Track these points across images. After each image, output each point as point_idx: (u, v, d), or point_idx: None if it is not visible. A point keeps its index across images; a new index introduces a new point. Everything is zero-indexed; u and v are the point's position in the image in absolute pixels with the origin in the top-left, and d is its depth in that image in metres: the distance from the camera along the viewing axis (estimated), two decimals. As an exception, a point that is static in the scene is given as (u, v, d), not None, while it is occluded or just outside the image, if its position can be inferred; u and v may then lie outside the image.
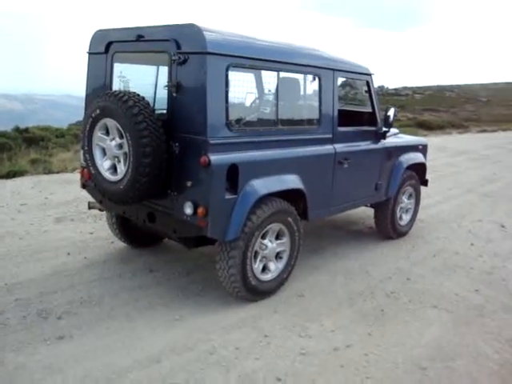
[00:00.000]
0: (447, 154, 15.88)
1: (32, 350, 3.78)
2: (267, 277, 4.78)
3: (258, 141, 4.44)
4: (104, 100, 4.18)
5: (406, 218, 7.01)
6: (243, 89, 4.65)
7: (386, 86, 51.47)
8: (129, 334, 4.08)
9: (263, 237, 4.60)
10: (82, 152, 4.57)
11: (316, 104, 5.12)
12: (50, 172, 10.23)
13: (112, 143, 4.22)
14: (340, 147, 5.33)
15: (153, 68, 4.92)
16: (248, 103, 5.06)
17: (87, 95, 5.05)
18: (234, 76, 4.25)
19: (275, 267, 4.84)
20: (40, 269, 5.22)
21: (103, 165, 4.37)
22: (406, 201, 6.90)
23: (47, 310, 4.40)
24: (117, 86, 4.84)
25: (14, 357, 3.69)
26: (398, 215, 6.79)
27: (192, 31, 4.05)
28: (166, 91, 4.27)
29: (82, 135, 4.50)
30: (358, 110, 6.55)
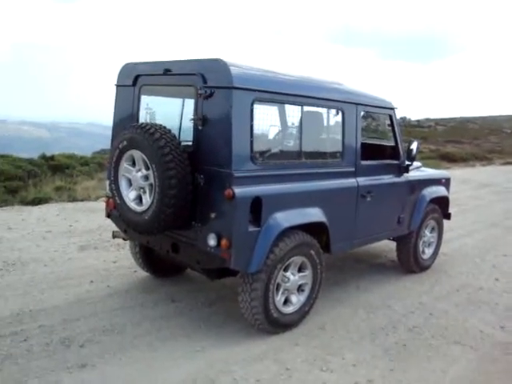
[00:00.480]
0: (470, 187, 15.77)
1: (55, 378, 3.81)
2: (289, 309, 4.77)
3: (282, 174, 4.48)
4: (131, 132, 4.27)
5: (428, 251, 6.97)
6: (267, 122, 4.72)
7: (408, 118, 51.39)
8: (151, 363, 4.09)
9: (285, 269, 4.61)
10: (107, 182, 4.65)
11: (339, 137, 5.17)
12: (74, 200, 10.38)
13: (138, 174, 4.30)
14: (363, 181, 5.35)
15: (179, 100, 5.01)
16: (272, 136, 5.13)
17: (114, 126, 5.16)
18: (259, 109, 4.32)
19: (297, 300, 4.84)
20: (64, 296, 5.28)
21: (129, 195, 4.44)
22: (428, 234, 6.86)
23: (70, 337, 4.44)
24: (143, 117, 4.95)
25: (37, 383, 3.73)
26: (421, 249, 6.75)
27: (218, 66, 4.14)
28: (191, 123, 4.35)
29: (108, 166, 4.58)
30: (381, 144, 6.58)
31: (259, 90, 4.24)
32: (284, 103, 4.83)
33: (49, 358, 4.10)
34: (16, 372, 3.87)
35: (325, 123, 5.19)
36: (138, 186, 4.36)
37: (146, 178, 4.25)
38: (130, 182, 4.45)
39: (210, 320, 4.94)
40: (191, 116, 4.35)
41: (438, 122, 51.86)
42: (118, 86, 5.16)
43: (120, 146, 4.36)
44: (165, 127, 4.24)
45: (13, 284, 5.53)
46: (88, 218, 8.62)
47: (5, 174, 13.17)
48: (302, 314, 4.92)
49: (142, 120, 4.90)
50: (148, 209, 4.21)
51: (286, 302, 4.77)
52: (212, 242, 4.14)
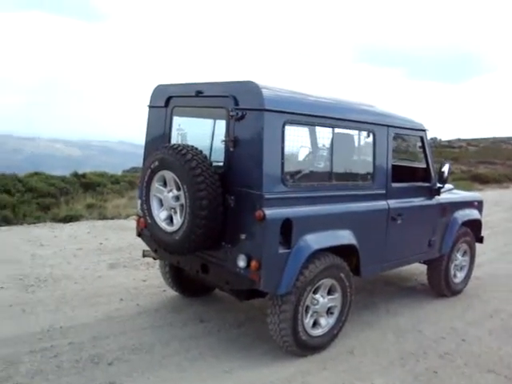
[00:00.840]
0: (503, 209, 15.50)
1: (84, 396, 3.85)
2: (318, 332, 4.74)
3: (312, 196, 4.48)
4: (163, 152, 4.32)
5: (460, 275, 6.85)
6: (298, 144, 4.73)
7: (438, 138, 50.85)
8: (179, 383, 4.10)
9: (315, 292, 4.58)
10: (139, 201, 4.70)
11: (370, 160, 5.15)
12: (104, 217, 10.50)
13: (169, 195, 4.34)
14: (393, 203, 5.31)
15: (210, 121, 5.06)
16: (302, 158, 5.13)
17: (146, 146, 5.22)
18: (290, 131, 4.33)
19: (326, 322, 4.80)
20: (94, 313, 5.32)
21: (160, 215, 4.48)
22: (460, 258, 6.75)
23: (99, 355, 4.47)
24: (175, 138, 5.00)
25: (66, 401, 3.77)
26: (452, 272, 6.64)
27: (250, 88, 4.17)
28: (222, 144, 4.39)
29: (140, 185, 4.63)
30: (412, 166, 6.53)
31: (290, 113, 4.27)
32: (315, 125, 4.85)
33: (78, 374, 4.14)
34: (46, 389, 3.92)
35: (356, 145, 5.18)
36: (169, 207, 4.40)
37: (177, 198, 4.29)
38: (161, 202, 4.49)
39: (239, 341, 4.93)
40: (222, 137, 4.39)
41: (469, 142, 51.22)
42: (150, 106, 5.23)
43: (152, 166, 4.41)
44: (196, 148, 4.28)
45: (44, 300, 5.60)
46: (118, 236, 8.70)
47: (38, 191, 13.42)
48: (331, 336, 4.87)
49: (173, 141, 4.96)
50: (179, 229, 4.24)
51: (315, 324, 4.73)
52: (242, 263, 4.14)
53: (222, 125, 4.59)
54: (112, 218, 10.37)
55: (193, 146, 4.30)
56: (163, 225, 4.44)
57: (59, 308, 5.41)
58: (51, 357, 4.38)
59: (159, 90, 5.15)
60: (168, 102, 4.99)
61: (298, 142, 4.68)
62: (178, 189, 4.24)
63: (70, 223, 9.63)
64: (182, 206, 4.23)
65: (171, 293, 5.94)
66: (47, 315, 5.21)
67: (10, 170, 16.20)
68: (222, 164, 4.40)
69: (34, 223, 9.73)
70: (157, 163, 4.36)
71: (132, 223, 9.40)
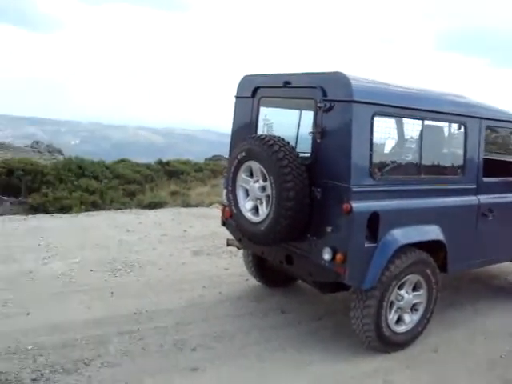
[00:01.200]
0: None
1: (167, 378, 3.97)
2: (401, 329, 4.63)
3: (400, 189, 4.38)
4: (250, 143, 4.34)
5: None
6: (386, 136, 4.65)
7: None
8: (259, 373, 4.13)
9: (400, 287, 4.48)
10: (224, 191, 4.75)
11: (460, 153, 4.97)
12: (188, 205, 10.72)
13: (255, 185, 4.36)
14: (484, 198, 5.10)
15: (296, 112, 5.04)
16: (391, 151, 5.02)
17: (233, 137, 5.26)
18: (378, 123, 4.25)
19: (410, 319, 4.68)
20: (177, 300, 5.45)
21: (245, 205, 4.50)
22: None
23: (182, 340, 4.57)
24: (261, 129, 5.01)
25: (151, 382, 3.90)
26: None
27: (338, 79, 4.12)
28: (308, 135, 4.36)
29: (226, 175, 4.68)
30: (506, 160, 6.25)
31: (379, 104, 4.18)
32: (404, 117, 4.72)
33: (163, 358, 4.26)
34: (133, 369, 4.07)
35: (446, 138, 5.02)
36: (254, 197, 4.41)
37: (264, 189, 4.29)
38: (247, 193, 4.51)
39: (319, 334, 4.90)
40: (309, 128, 4.36)
41: None
42: (237, 97, 5.26)
43: (239, 156, 4.44)
44: (283, 139, 4.27)
45: (131, 284, 5.80)
46: (201, 223, 8.86)
47: (124, 177, 13.90)
48: (415, 334, 4.76)
49: (260, 131, 4.97)
50: (264, 220, 4.25)
51: (399, 320, 4.63)
52: (327, 255, 4.11)
53: (308, 115, 4.55)
54: (195, 206, 10.58)
55: (280, 137, 4.28)
56: (249, 215, 4.46)
57: (145, 293, 5.58)
58: (138, 339, 4.54)
59: (246, 80, 5.17)
60: (255, 92, 4.99)
61: (386, 133, 4.60)
62: (265, 179, 4.25)
63: (155, 210, 9.89)
64: (268, 196, 4.23)
65: (253, 282, 5.98)
66: (133, 299, 5.38)
67: (97, 156, 16.87)
68: (308, 155, 4.38)
69: (121, 209, 10.08)
70: (244, 154, 4.38)
71: (215, 211, 9.57)
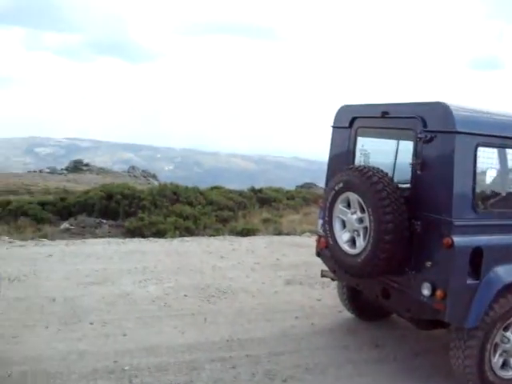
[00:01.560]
0: None
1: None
2: (509, 374, 4.32)
3: (504, 224, 4.17)
4: (348, 174, 4.30)
5: None
6: (489, 168, 4.45)
7: None
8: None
9: (506, 329, 4.22)
10: (320, 221, 4.72)
11: None
12: (279, 233, 10.73)
13: (353, 216, 4.29)
14: None
15: (393, 142, 4.95)
16: (494, 183, 4.80)
17: (329, 167, 5.23)
18: (481, 154, 4.09)
19: (517, 364, 4.39)
20: (269, 329, 5.43)
21: (342, 237, 4.44)
22: None
23: (274, 370, 4.54)
24: (358, 159, 4.95)
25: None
26: None
27: (439, 110, 4.02)
28: (406, 165, 4.26)
29: (323, 206, 4.65)
30: None
31: (483, 134, 4.03)
32: (508, 147, 4.52)
33: (254, 388, 4.24)
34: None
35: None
36: (352, 229, 4.34)
37: (361, 220, 4.22)
38: (343, 224, 4.45)
39: (415, 372, 4.71)
40: (407, 158, 4.27)
41: None
42: (334, 127, 5.24)
43: (336, 187, 4.40)
44: (382, 170, 4.20)
45: (224, 311, 5.85)
46: (294, 252, 8.83)
47: (217, 204, 14.15)
48: (523, 380, 4.44)
49: (357, 161, 4.92)
50: (361, 252, 4.18)
51: (505, 365, 4.34)
52: (426, 291, 3.96)
53: (406, 146, 4.46)
54: (287, 234, 10.57)
55: (378, 168, 4.22)
56: (345, 247, 4.40)
57: (237, 320, 5.61)
58: (229, 367, 4.55)
59: (343, 110, 5.15)
60: (352, 122, 4.96)
61: (489, 165, 4.40)
62: (363, 211, 4.18)
63: (248, 237, 9.97)
64: (365, 228, 4.16)
65: (346, 314, 5.87)
66: (226, 326, 5.42)
67: (191, 182, 17.33)
68: (407, 186, 4.27)
69: (214, 235, 10.24)
70: (341, 185, 4.34)
71: (307, 240, 9.52)
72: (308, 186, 24.40)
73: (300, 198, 16.55)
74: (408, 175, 4.30)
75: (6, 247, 8.20)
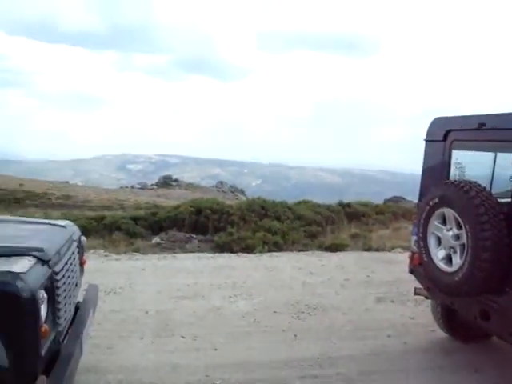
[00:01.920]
0: None
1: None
2: None
3: None
4: (443, 189, 4.16)
5: None
6: None
7: None
8: None
9: None
10: (414, 238, 4.58)
11: None
12: (369, 248, 10.53)
13: (449, 233, 4.13)
14: None
15: (490, 154, 4.75)
16: None
17: (422, 181, 5.08)
18: None
19: None
20: (361, 347, 5.31)
21: (437, 254, 4.28)
22: None
23: (365, 390, 4.43)
24: (452, 173, 4.78)
25: None
26: None
27: None
28: (503, 179, 4.09)
29: (416, 222, 4.51)
30: None
31: None
32: None
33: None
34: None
35: None
36: (447, 246, 4.18)
37: (458, 237, 4.05)
38: (439, 241, 4.29)
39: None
40: (505, 171, 4.08)
41: None
42: (427, 140, 5.08)
43: (431, 202, 4.26)
44: (479, 184, 4.02)
45: (314, 328, 5.79)
46: (384, 268, 8.62)
47: (305, 218, 14.06)
48: None
49: (452, 175, 4.74)
50: (458, 270, 4.00)
51: None
52: (529, 313, 3.74)
53: (505, 158, 4.27)
54: (377, 249, 10.37)
55: (475, 182, 4.04)
56: (441, 264, 4.23)
57: (328, 337, 5.52)
58: (321, 386, 4.48)
59: (437, 123, 4.99)
60: (447, 135, 4.79)
61: None
62: (459, 227, 4.00)
63: (337, 253, 9.86)
64: (462, 245, 3.98)
65: (441, 334, 5.63)
66: (317, 343, 5.35)
67: (278, 196, 17.38)
68: (507, 201, 4.06)
69: (302, 250, 10.19)
70: (436, 200, 4.19)
71: (398, 256, 9.31)
72: (396, 199, 23.83)
73: (389, 212, 16.19)
74: (507, 189, 4.10)
75: (101, 260, 8.53)
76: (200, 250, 10.86)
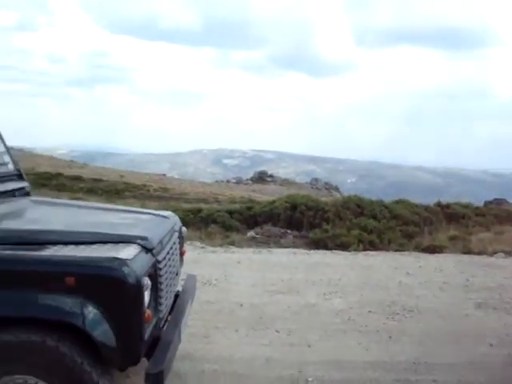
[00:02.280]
0: None
1: None
2: None
3: None
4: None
5: None
6: None
7: None
8: None
9: None
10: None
11: None
12: (468, 251, 10.17)
13: None
14: None
15: None
16: None
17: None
18: None
19: None
20: (459, 354, 5.09)
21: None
22: None
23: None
24: None
25: None
26: None
27: None
28: None
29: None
30: None
31: None
32: None
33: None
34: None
35: None
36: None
37: None
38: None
39: None
40: None
41: None
42: None
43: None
44: None
45: (409, 330, 5.63)
46: (486, 273, 8.26)
47: (402, 218, 13.78)
48: None
49: None
50: None
51: None
52: None
53: None
54: (477, 253, 9.99)
55: None
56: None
57: (424, 341, 5.35)
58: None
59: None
60: None
61: None
62: None
63: (435, 255, 9.59)
64: None
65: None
66: (412, 347, 5.20)
67: (373, 195, 17.15)
68: None
69: (398, 250, 9.99)
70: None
71: (500, 261, 8.93)
72: (498, 201, 22.74)
73: (491, 214, 15.52)
74: None
75: (197, 252, 8.74)
76: (294, 246, 10.92)
